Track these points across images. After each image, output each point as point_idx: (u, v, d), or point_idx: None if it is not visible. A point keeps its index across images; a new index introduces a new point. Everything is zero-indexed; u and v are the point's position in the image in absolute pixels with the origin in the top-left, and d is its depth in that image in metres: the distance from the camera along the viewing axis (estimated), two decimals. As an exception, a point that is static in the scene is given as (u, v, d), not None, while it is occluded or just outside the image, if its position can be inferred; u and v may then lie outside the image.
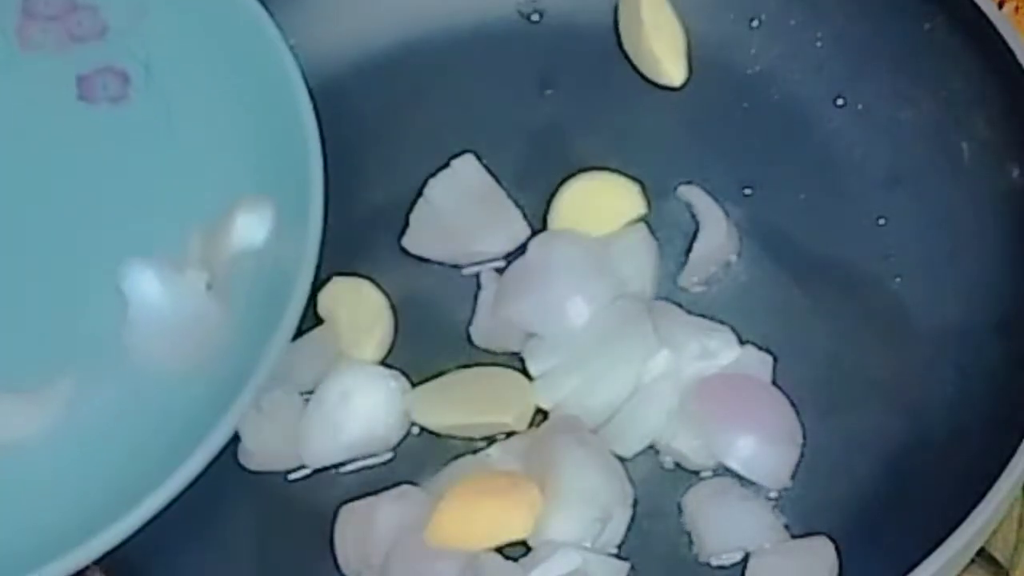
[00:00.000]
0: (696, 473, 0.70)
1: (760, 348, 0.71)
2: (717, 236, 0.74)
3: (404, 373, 0.71)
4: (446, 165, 0.76)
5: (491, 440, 0.70)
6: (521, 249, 0.73)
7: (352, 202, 0.75)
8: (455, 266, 0.75)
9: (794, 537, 0.68)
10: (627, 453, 0.69)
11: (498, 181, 0.76)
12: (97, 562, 0.63)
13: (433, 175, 0.75)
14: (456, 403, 0.70)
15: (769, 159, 0.76)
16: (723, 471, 0.69)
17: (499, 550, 0.66)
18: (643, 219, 0.74)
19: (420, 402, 0.70)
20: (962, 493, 0.63)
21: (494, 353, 0.72)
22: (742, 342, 0.71)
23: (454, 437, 0.71)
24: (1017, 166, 0.71)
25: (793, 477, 0.69)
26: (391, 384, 0.70)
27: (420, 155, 0.76)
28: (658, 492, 0.69)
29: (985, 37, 0.71)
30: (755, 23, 0.78)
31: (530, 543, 0.66)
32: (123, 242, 0.70)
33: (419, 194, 0.75)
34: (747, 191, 0.76)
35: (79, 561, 0.62)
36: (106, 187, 0.72)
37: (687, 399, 0.70)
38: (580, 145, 0.77)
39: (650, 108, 0.78)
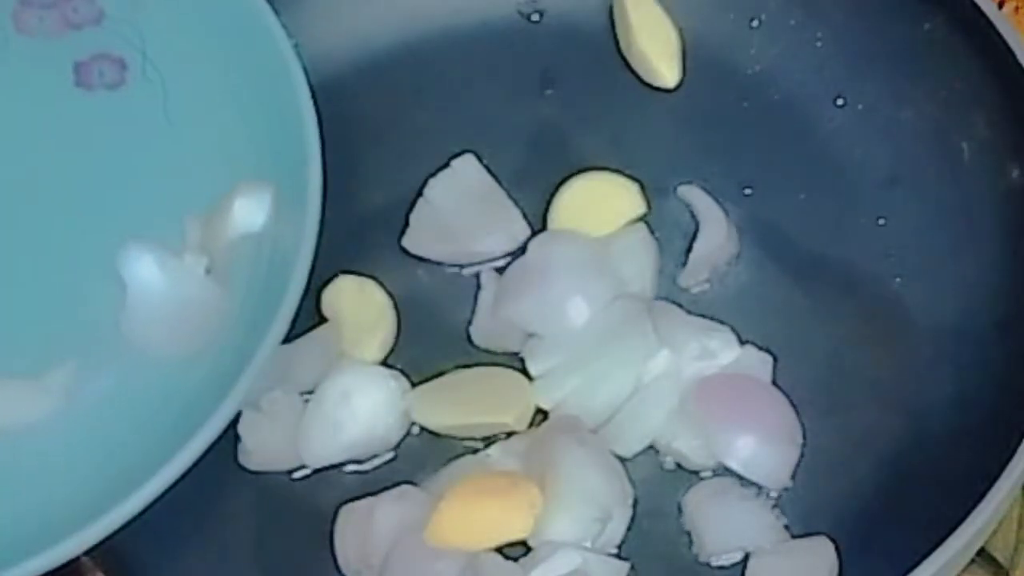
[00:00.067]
0: (696, 473, 0.70)
1: (760, 348, 0.71)
2: (717, 236, 0.74)
3: (404, 373, 0.71)
4: (446, 165, 0.76)
5: (491, 440, 0.70)
6: (521, 249, 0.73)
7: (352, 202, 0.75)
8: (455, 266, 0.75)
9: (794, 537, 0.68)
10: (627, 453, 0.69)
11: (498, 181, 0.76)
12: (97, 562, 0.63)
13: (433, 175, 0.75)
14: (456, 403, 0.70)
15: (769, 159, 0.76)
16: (723, 471, 0.69)
17: (499, 550, 0.66)
18: (643, 219, 0.74)
19: (420, 402, 0.70)
20: (962, 493, 0.63)
21: (494, 353, 0.72)
22: (742, 342, 0.71)
23: (454, 437, 0.71)
24: (1017, 166, 0.71)
25: (793, 477, 0.69)
26: (391, 384, 0.70)
27: (420, 155, 0.76)
28: (658, 492, 0.69)
29: (985, 37, 0.71)
30: (755, 23, 0.78)
31: (530, 543, 0.66)
32: (121, 228, 0.70)
33: (419, 194, 0.75)
34: (747, 191, 0.76)
35: (77, 547, 0.62)
36: (104, 173, 0.72)
37: (687, 399, 0.70)
38: (580, 145, 0.77)
39: (650, 108, 0.78)
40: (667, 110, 0.78)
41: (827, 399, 0.71)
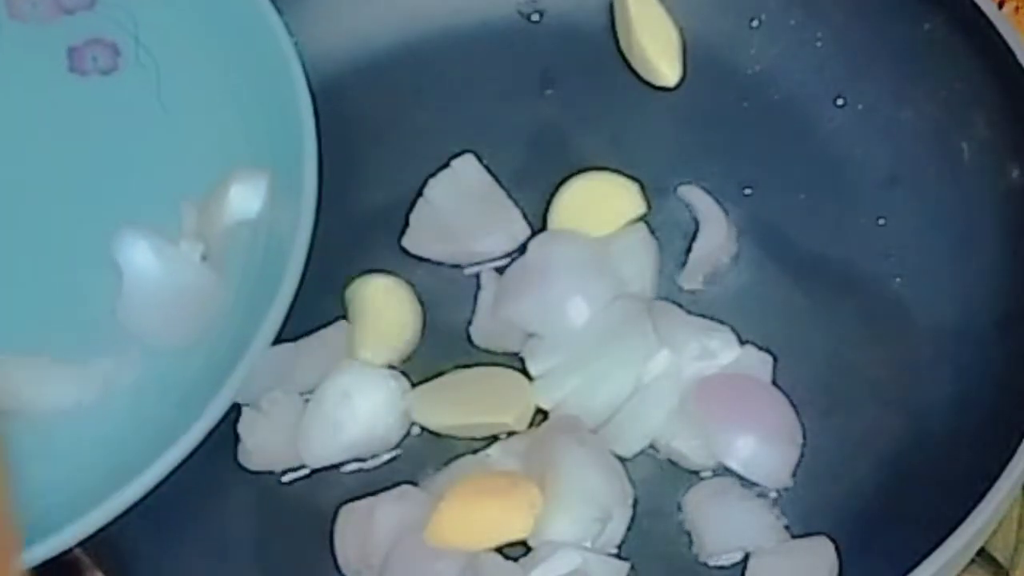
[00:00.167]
0: (696, 473, 0.70)
1: (760, 348, 0.71)
2: (717, 236, 0.74)
3: (404, 373, 0.71)
4: (446, 165, 0.76)
5: (491, 440, 0.70)
6: (521, 249, 0.73)
7: (352, 202, 0.75)
8: (455, 266, 0.75)
9: (794, 537, 0.68)
10: (627, 453, 0.69)
11: (498, 181, 0.76)
12: (96, 561, 0.63)
13: (433, 175, 0.75)
14: (456, 403, 0.70)
15: (769, 159, 0.76)
16: (723, 471, 0.69)
17: (499, 550, 0.66)
18: (643, 219, 0.74)
19: (420, 402, 0.70)
20: (962, 493, 0.63)
21: (494, 353, 0.72)
22: (742, 342, 0.71)
23: (454, 437, 0.71)
24: (1017, 166, 0.71)
25: (793, 477, 0.69)
26: (391, 384, 0.70)
27: (420, 155, 0.76)
28: (658, 492, 0.69)
29: (985, 37, 0.71)
30: (755, 23, 0.78)
31: (530, 543, 0.66)
32: (116, 214, 0.70)
33: (419, 194, 0.75)
34: (747, 191, 0.76)
35: (75, 535, 0.62)
36: (99, 159, 0.72)
37: (687, 399, 0.70)
38: (580, 145, 0.77)
39: (650, 108, 0.78)
40: (667, 110, 0.78)
41: (827, 399, 0.71)
